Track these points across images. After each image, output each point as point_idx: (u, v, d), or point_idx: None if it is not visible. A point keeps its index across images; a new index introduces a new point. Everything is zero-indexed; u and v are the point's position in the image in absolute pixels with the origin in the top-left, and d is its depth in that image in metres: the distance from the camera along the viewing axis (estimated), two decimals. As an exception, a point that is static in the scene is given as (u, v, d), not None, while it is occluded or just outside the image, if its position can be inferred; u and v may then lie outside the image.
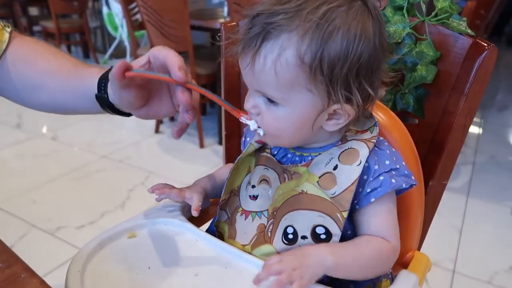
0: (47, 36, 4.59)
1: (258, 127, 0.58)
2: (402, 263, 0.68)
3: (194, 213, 0.65)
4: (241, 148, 0.74)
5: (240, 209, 0.66)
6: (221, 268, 0.59)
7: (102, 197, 2.03)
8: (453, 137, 0.68)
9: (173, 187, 0.68)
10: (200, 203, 0.66)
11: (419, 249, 0.75)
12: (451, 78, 0.68)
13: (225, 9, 2.70)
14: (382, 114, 0.67)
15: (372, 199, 0.57)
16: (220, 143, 2.63)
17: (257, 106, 0.56)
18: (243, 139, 0.74)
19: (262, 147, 0.67)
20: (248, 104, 0.57)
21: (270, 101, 0.55)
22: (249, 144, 0.67)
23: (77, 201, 2.00)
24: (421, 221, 0.70)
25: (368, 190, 0.56)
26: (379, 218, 0.58)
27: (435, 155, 0.70)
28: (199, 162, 2.41)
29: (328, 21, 0.49)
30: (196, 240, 0.64)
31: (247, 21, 0.52)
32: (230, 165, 0.70)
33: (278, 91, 0.52)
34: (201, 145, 2.57)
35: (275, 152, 0.65)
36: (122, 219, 0.68)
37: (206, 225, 0.72)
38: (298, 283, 0.48)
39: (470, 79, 0.65)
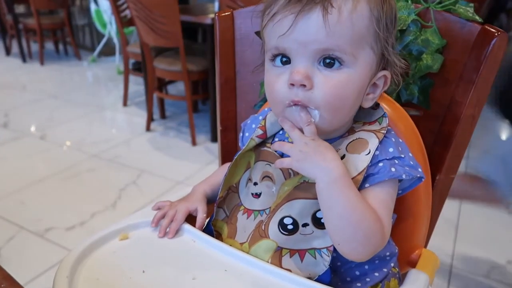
0: (28, 33, 4.49)
1: (307, 107, 0.52)
2: (409, 262, 0.65)
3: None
4: (239, 144, 0.70)
5: (242, 207, 0.62)
6: (220, 270, 0.55)
7: (92, 197, 1.99)
8: (461, 129, 0.65)
9: (173, 207, 0.65)
10: (204, 215, 0.65)
11: (425, 246, 0.73)
12: (458, 66, 0.65)
13: (216, 4, 2.66)
14: (386, 106, 0.64)
15: (367, 185, 0.54)
16: (212, 140, 2.59)
17: (310, 78, 0.51)
18: (241, 134, 0.70)
19: (263, 142, 0.63)
20: (298, 76, 0.50)
21: (329, 64, 0.51)
22: (249, 139, 0.63)
23: (66, 202, 1.95)
24: (428, 217, 0.67)
25: (365, 175, 0.54)
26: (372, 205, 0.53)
27: (442, 148, 0.67)
28: (191, 159, 2.37)
29: None
30: (193, 241, 0.61)
31: None
32: (227, 165, 0.66)
33: (351, 45, 0.50)
34: (194, 143, 2.53)
35: None
36: (114, 220, 0.64)
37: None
38: (294, 158, 0.52)
39: (479, 67, 0.62)
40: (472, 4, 0.65)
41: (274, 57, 0.54)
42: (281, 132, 0.63)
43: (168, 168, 2.27)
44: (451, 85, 0.66)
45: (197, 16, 2.39)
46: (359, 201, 0.51)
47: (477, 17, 0.64)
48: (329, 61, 0.50)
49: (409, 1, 0.69)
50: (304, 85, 0.51)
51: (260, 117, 0.68)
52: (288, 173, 0.59)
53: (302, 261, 0.55)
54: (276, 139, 0.63)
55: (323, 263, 0.54)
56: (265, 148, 0.63)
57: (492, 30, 0.61)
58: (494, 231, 1.80)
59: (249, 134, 0.68)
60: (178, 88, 3.50)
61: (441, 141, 0.68)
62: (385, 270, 0.60)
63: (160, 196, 1.99)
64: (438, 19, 0.67)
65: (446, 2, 0.67)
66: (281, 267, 0.55)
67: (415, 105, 0.71)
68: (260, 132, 0.63)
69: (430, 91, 0.69)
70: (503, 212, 1.93)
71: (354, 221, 0.50)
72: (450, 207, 1.94)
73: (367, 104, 0.56)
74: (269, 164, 0.61)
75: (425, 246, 0.73)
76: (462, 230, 1.78)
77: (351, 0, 0.49)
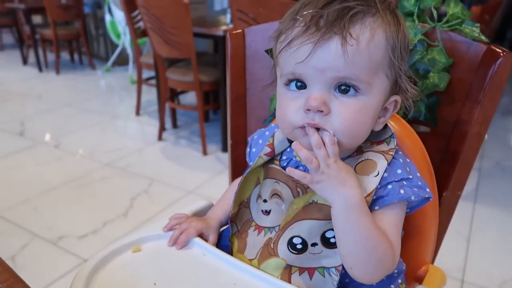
0: (44, 43, 4.62)
1: (323, 130, 0.52)
2: (416, 278, 0.66)
3: None
4: (247, 159, 0.72)
5: (253, 223, 0.64)
6: (229, 284, 0.57)
7: (104, 205, 2.01)
8: (467, 146, 0.66)
9: (188, 222, 0.67)
10: (213, 246, 0.66)
11: (432, 262, 0.73)
12: (464, 85, 0.66)
13: (228, 16, 2.70)
14: (393, 123, 0.65)
15: (376, 207, 0.55)
16: (223, 150, 2.61)
17: (326, 104, 0.51)
18: (248, 149, 0.72)
19: (271, 159, 0.65)
20: (315, 102, 0.50)
21: (344, 91, 0.51)
22: (258, 158, 0.64)
23: (79, 210, 1.98)
24: (435, 234, 0.67)
25: (374, 197, 0.54)
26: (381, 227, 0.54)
27: (449, 165, 0.68)
28: (202, 169, 2.39)
29: (396, 10, 0.54)
30: (203, 254, 0.62)
31: (310, 12, 0.50)
32: (236, 183, 0.68)
33: (367, 74, 0.51)
34: (204, 152, 2.56)
35: (285, 165, 0.63)
36: (125, 228, 0.66)
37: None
38: (314, 179, 0.51)
39: (485, 86, 0.63)
40: (478, 24, 0.66)
41: (289, 81, 0.54)
42: (288, 150, 0.64)
43: (179, 177, 2.29)
44: (457, 103, 0.67)
45: (209, 28, 2.42)
46: (374, 228, 0.52)
47: (483, 37, 0.65)
48: (344, 87, 0.51)
49: (416, 21, 0.70)
50: (321, 111, 0.51)
51: (267, 133, 0.70)
52: (297, 192, 0.60)
53: (311, 279, 0.56)
54: (284, 157, 0.64)
55: (331, 282, 0.55)
56: (273, 166, 0.64)
57: (498, 50, 0.62)
58: (506, 244, 1.77)
59: (256, 150, 0.69)
60: (190, 97, 3.54)
61: (448, 158, 0.69)
62: (392, 286, 0.61)
63: (170, 205, 2.01)
64: (445, 38, 0.68)
65: (452, 22, 0.68)
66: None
67: (422, 122, 0.72)
68: (268, 150, 0.64)
69: (437, 109, 0.70)
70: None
71: (368, 248, 0.51)
72: (461, 219, 1.92)
73: (378, 127, 0.57)
74: (278, 182, 0.62)
75: (432, 262, 0.73)
76: (473, 243, 1.76)
77: (369, 29, 0.50)
